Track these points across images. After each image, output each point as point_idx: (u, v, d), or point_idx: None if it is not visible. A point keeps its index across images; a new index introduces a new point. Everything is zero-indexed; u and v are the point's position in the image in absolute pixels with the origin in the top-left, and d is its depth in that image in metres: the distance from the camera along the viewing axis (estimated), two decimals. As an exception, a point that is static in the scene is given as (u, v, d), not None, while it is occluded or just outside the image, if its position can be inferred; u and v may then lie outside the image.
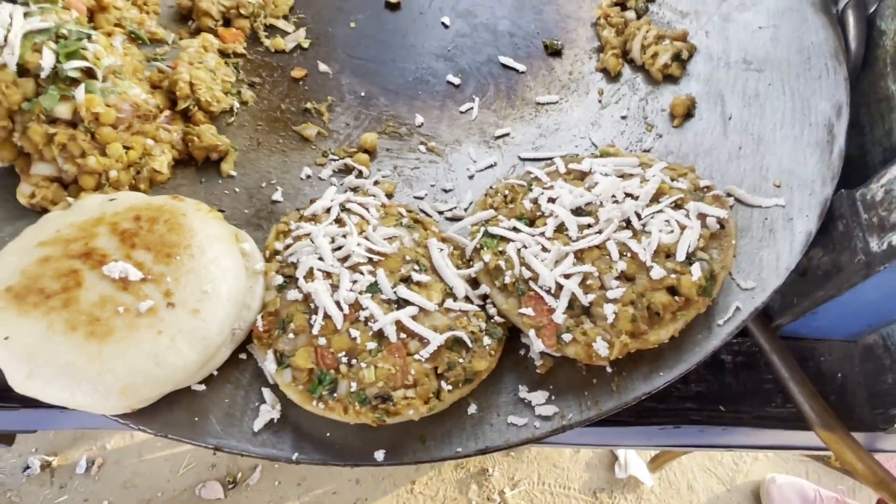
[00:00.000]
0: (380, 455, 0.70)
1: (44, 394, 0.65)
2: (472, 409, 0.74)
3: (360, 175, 0.92)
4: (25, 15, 0.82)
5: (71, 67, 0.81)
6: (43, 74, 0.81)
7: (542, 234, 0.79)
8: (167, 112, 0.91)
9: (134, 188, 0.86)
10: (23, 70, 0.81)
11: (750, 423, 0.96)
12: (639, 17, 1.05)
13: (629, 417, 0.94)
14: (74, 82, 0.82)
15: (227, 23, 1.04)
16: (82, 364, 0.64)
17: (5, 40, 0.80)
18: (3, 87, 0.80)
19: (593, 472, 2.36)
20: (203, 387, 0.73)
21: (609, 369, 0.76)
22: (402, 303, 0.74)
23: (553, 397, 0.75)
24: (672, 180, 0.83)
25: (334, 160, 0.93)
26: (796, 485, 2.07)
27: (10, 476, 2.40)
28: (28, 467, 2.41)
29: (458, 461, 2.28)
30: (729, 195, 0.87)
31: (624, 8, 1.07)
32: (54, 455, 2.44)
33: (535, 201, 0.83)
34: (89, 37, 0.85)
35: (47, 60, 0.81)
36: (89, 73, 0.83)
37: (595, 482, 2.36)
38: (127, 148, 0.84)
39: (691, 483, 2.36)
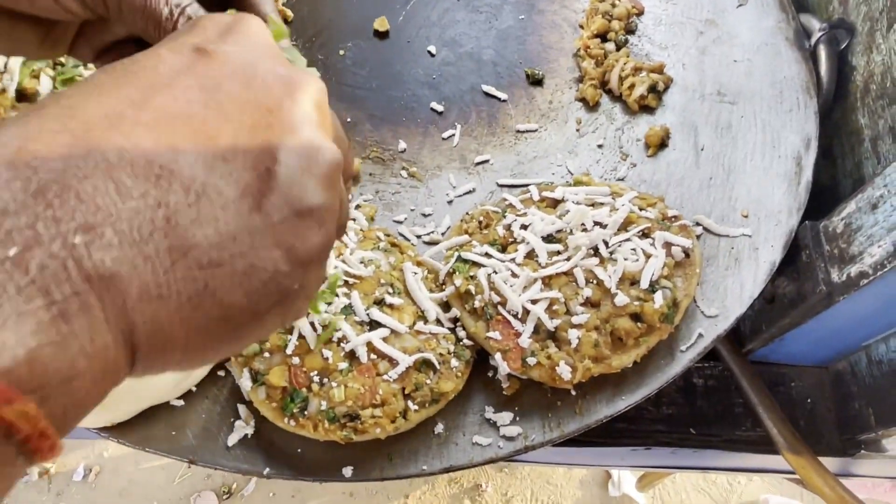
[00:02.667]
0: (348, 471, 0.73)
1: (27, 407, 0.69)
2: (439, 428, 0.77)
3: (342, 199, 0.95)
4: (25, 43, 0.87)
5: (67, 94, 0.85)
6: (40, 99, 0.85)
7: (513, 259, 0.82)
8: (159, 136, 0.95)
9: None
10: (21, 95, 0.85)
11: (720, 445, 0.98)
12: (618, 49, 1.09)
13: (601, 438, 0.97)
14: (70, 108, 0.86)
15: (221, 49, 1.08)
16: (64, 379, 0.67)
17: (5, 67, 0.85)
18: (2, 112, 0.84)
19: (587, 489, 2.37)
20: (181, 402, 0.76)
21: (573, 392, 0.79)
22: (374, 324, 0.77)
23: (518, 418, 0.77)
24: (641, 210, 0.86)
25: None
26: (789, 507, 2.07)
27: (9, 482, 2.42)
28: (26, 474, 2.43)
29: (451, 476, 2.30)
30: (697, 224, 0.90)
31: (604, 40, 1.10)
32: (52, 463, 2.47)
33: (508, 227, 0.86)
34: (84, 64, 0.89)
35: (45, 86, 0.85)
36: (84, 99, 0.87)
37: (588, 500, 2.37)
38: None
39: (684, 502, 2.36)
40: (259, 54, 0.39)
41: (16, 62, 0.84)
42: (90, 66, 0.89)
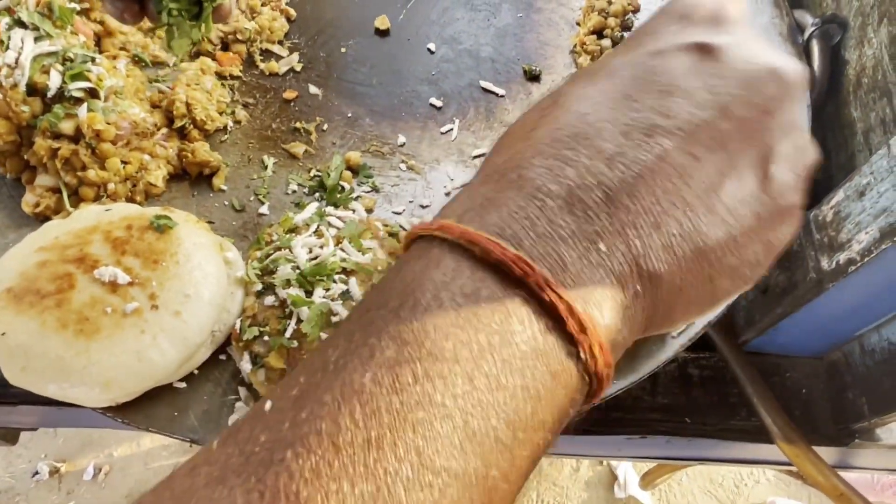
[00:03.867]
0: (344, 451, 0.75)
1: (36, 386, 0.71)
2: (434, 410, 0.78)
3: (342, 191, 0.98)
4: (36, 39, 0.90)
5: (75, 88, 0.88)
6: (50, 94, 0.88)
7: (507, 248, 0.84)
8: (164, 130, 0.97)
9: (130, 200, 0.92)
10: (31, 90, 0.88)
11: (714, 434, 0.99)
12: (614, 45, 1.11)
13: (597, 427, 0.98)
14: (78, 101, 0.89)
15: (225, 47, 1.11)
16: (71, 358, 0.70)
17: (16, 62, 0.87)
18: (13, 105, 0.87)
19: (592, 491, 2.37)
20: (184, 384, 0.78)
21: (566, 376, 0.80)
22: (371, 310, 0.79)
23: (511, 401, 0.79)
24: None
25: (318, 177, 0.99)
26: (794, 508, 2.07)
27: (20, 481, 2.46)
28: (37, 472, 2.47)
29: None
30: (690, 214, 0.92)
31: (601, 36, 1.12)
32: (63, 461, 2.50)
33: (503, 217, 0.88)
34: (93, 60, 0.92)
35: (54, 81, 0.88)
36: (92, 94, 0.90)
37: (594, 501, 2.37)
38: (125, 162, 0.91)
39: (691, 504, 2.36)
40: (752, 48, 0.41)
41: (27, 58, 0.87)
42: (98, 60, 0.92)
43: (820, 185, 1.03)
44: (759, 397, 0.95)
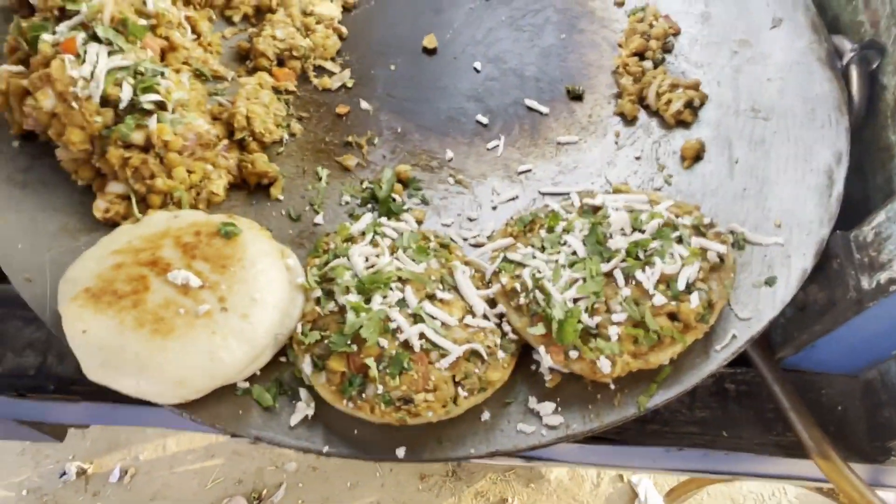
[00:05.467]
0: (401, 452, 0.78)
1: (113, 381, 0.75)
2: (486, 415, 0.82)
3: (394, 202, 1.01)
4: (110, 53, 0.94)
5: (146, 100, 0.93)
6: (121, 106, 0.93)
7: (556, 261, 0.87)
8: (225, 141, 1.02)
9: (193, 207, 0.96)
10: (104, 101, 0.93)
11: (751, 448, 1.01)
12: (655, 67, 1.14)
13: (634, 438, 1.00)
14: (148, 113, 0.94)
15: (281, 63, 1.15)
16: (147, 356, 0.74)
17: (92, 75, 0.92)
18: (87, 116, 0.91)
19: (613, 506, 2.37)
20: (247, 384, 0.82)
21: (612, 386, 0.83)
22: (426, 317, 0.82)
23: (559, 409, 0.82)
24: (677, 217, 0.91)
25: (370, 188, 1.03)
26: (816, 528, 2.06)
27: (48, 481, 2.50)
28: (64, 473, 2.51)
29: (477, 490, 2.32)
30: (732, 232, 0.95)
31: (642, 58, 1.16)
32: (90, 463, 2.54)
33: (551, 230, 0.91)
34: (163, 74, 0.96)
35: (126, 94, 0.93)
36: (161, 106, 0.95)
37: (614, 517, 2.37)
38: (190, 172, 0.96)
39: (714, 521, 2.35)
40: None
41: (101, 71, 0.92)
42: (166, 74, 0.97)
43: (857, 206, 1.06)
44: (795, 413, 0.97)
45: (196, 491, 2.38)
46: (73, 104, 0.91)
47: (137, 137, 0.92)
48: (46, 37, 0.95)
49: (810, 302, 0.96)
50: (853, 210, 1.00)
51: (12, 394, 1.02)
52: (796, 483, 1.11)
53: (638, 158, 1.07)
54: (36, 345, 1.03)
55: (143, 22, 1.00)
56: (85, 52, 0.93)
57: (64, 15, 0.99)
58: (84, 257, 0.83)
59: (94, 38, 0.95)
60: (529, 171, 1.07)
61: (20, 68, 0.99)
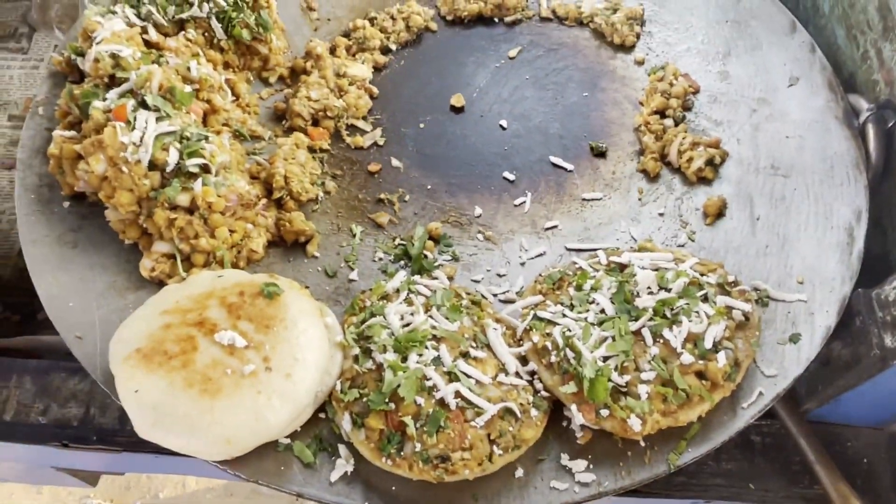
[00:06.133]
0: (438, 509, 0.81)
1: (164, 439, 0.78)
2: (520, 472, 0.84)
3: (426, 259, 1.05)
4: (157, 120, 1.00)
5: (192, 164, 0.98)
6: (168, 169, 0.97)
7: (585, 319, 0.90)
8: (264, 200, 1.06)
9: (234, 265, 1.01)
10: (152, 165, 0.97)
11: (777, 501, 1.02)
12: (676, 125, 1.18)
13: (662, 489, 1.02)
14: (193, 176, 0.98)
15: (316, 123, 1.20)
16: (197, 416, 0.77)
17: (141, 141, 0.97)
18: (136, 179, 0.96)
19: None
20: (288, 440, 0.85)
21: (643, 443, 0.85)
22: (461, 375, 0.85)
23: (591, 466, 0.84)
24: (702, 275, 0.94)
25: (402, 245, 1.07)
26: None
27: (69, 518, 2.51)
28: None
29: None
30: (755, 289, 0.97)
31: (663, 116, 1.20)
32: (110, 501, 2.55)
33: (579, 288, 0.94)
34: (206, 138, 1.01)
35: (173, 158, 0.97)
36: (205, 169, 1.00)
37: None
38: (231, 231, 1.00)
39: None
40: None
41: (150, 136, 0.97)
42: (211, 140, 1.02)
43: (877, 261, 1.08)
44: (821, 465, 0.98)
45: (215, 531, 2.38)
46: (123, 168, 0.96)
47: (183, 199, 0.97)
48: (98, 104, 1.00)
49: (834, 357, 0.98)
50: (873, 265, 1.02)
51: (56, 444, 1.05)
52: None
53: (661, 215, 1.10)
54: (79, 396, 1.07)
55: (188, 88, 1.05)
56: (135, 119, 0.98)
57: (113, 81, 1.04)
58: (134, 317, 0.87)
59: (143, 104, 1.00)
60: (556, 227, 1.10)
61: (72, 133, 1.05)
